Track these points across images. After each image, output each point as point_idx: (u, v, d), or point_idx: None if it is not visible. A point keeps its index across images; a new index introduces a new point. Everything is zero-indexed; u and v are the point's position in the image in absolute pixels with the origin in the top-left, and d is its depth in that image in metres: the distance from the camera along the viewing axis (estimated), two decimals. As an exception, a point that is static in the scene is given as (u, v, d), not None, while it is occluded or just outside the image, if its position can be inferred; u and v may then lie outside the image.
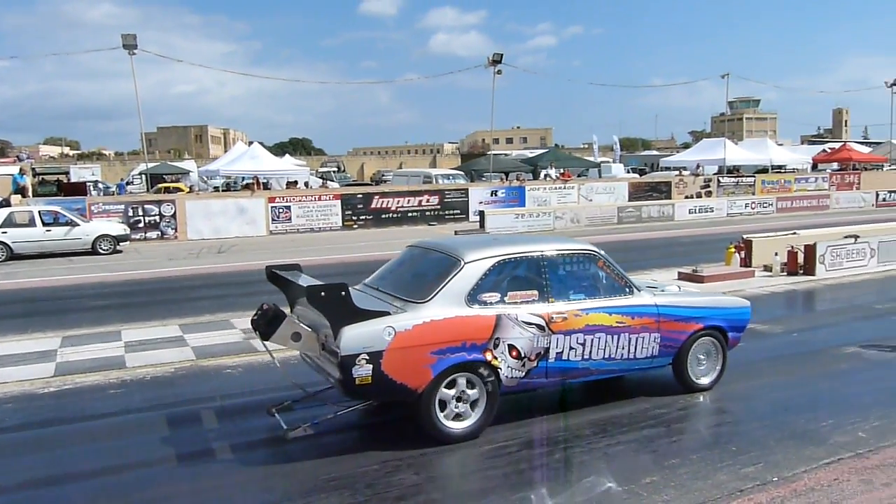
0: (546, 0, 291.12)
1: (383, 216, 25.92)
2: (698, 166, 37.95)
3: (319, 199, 25.30)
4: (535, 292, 5.99)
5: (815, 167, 44.26)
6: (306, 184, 32.96)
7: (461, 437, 5.62)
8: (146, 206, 23.16)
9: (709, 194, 32.06)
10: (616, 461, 5.23)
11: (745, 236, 14.73)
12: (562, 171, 34.03)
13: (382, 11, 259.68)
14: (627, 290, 6.44)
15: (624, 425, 5.97)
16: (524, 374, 5.89)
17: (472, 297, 5.72)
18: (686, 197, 31.09)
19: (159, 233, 23.10)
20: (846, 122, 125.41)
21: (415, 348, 5.40)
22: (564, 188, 29.26)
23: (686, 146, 79.71)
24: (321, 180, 38.45)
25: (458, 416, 5.66)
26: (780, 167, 42.11)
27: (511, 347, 5.78)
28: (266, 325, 5.59)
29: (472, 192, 27.76)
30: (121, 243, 20.15)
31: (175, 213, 23.20)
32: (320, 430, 5.70)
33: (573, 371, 6.15)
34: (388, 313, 5.46)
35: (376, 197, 26.22)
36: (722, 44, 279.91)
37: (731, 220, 27.72)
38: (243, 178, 31.08)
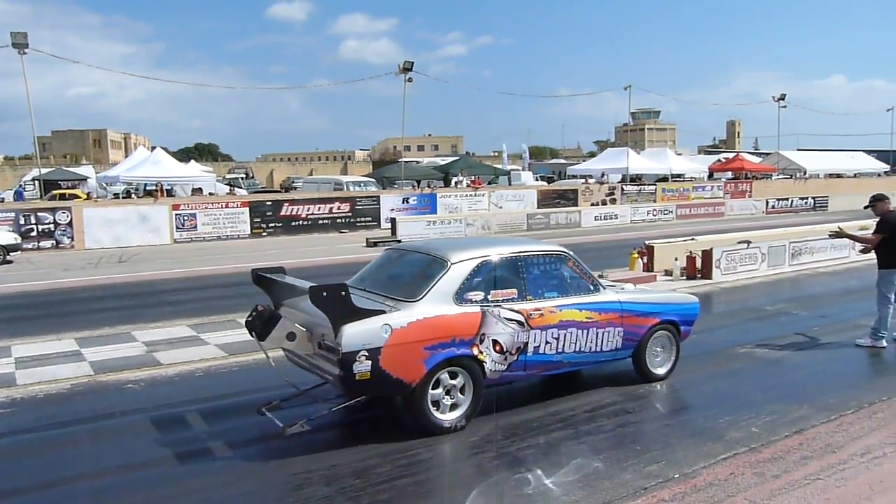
0: (456, 9, 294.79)
1: (293, 224, 25.48)
2: (603, 174, 39.22)
3: (227, 207, 24.64)
4: (515, 291, 6.38)
5: (710, 176, 46.48)
6: (211, 193, 31.99)
7: (451, 427, 5.93)
8: (39, 214, 21.91)
9: (613, 202, 33.14)
10: (524, 464, 5.31)
11: (647, 242, 15.31)
12: (472, 178, 34.43)
13: (291, 16, 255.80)
14: (594, 287, 6.94)
15: (533, 429, 6.07)
16: (506, 367, 6.25)
17: (459, 296, 6.05)
18: (592, 204, 32.03)
19: (54, 242, 21.91)
20: (739, 133, 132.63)
21: (410, 344, 5.68)
22: (475, 195, 29.60)
23: (592, 155, 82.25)
24: (229, 187, 37.46)
25: (448, 408, 5.98)
26: (679, 176, 44.00)
27: (495, 342, 6.14)
28: (262, 325, 5.85)
29: (383, 199, 27.70)
30: (11, 253, 18.97)
31: (71, 220, 22.06)
32: (315, 425, 5.88)
33: (548, 364, 6.56)
34: (384, 312, 5.70)
35: (286, 204, 25.76)
36: (625, 57, 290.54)
37: (634, 227, 28.78)
38: (145, 185, 29.88)
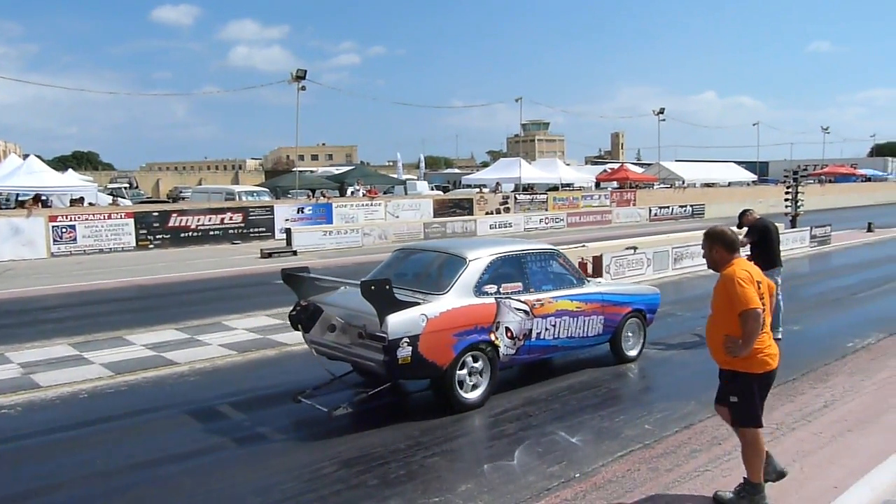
0: (349, 19, 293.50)
1: (182, 235, 24.47)
2: (497, 184, 39.98)
3: (109, 218, 23.34)
4: (520, 284, 7.23)
5: (598, 185, 48.37)
6: (91, 204, 30.26)
7: (473, 405, 6.68)
8: None
9: (507, 210, 33.82)
10: (429, 472, 5.31)
11: (541, 249, 15.70)
12: (368, 188, 34.26)
13: (177, 20, 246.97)
14: (580, 280, 7.99)
15: (438, 437, 6.09)
16: (515, 351, 7.07)
17: (478, 289, 6.84)
18: (487, 213, 32.55)
19: (-89, 257, 20.05)
20: (622, 144, 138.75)
21: (442, 332, 6.40)
22: (371, 205, 29.45)
23: (485, 165, 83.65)
24: (111, 197, 35.54)
25: (470, 388, 6.73)
26: (568, 185, 45.47)
27: (507, 329, 6.94)
28: (308, 318, 6.74)
29: (277, 209, 27.06)
30: None
31: (-68, 234, 20.28)
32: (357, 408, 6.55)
33: (546, 348, 7.49)
34: (419, 304, 6.37)
35: (174, 215, 24.70)
36: (516, 70, 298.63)
37: (528, 235, 29.48)
38: (17, 196, 27.89)
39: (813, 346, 9.23)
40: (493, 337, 6.82)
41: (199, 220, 24.98)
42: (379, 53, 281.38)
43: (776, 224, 10.01)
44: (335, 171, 47.42)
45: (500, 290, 7.01)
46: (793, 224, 22.56)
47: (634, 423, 6.32)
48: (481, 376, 6.80)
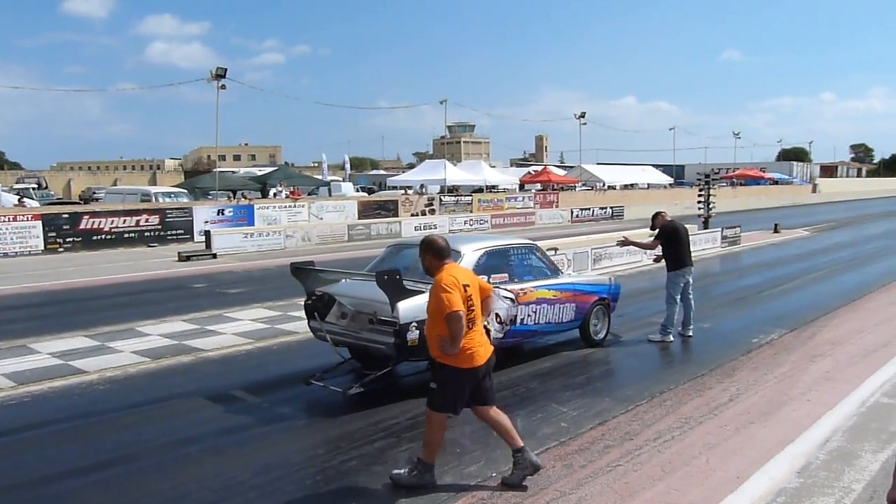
0: (272, 17, 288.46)
1: (95, 238, 23.50)
2: (422, 186, 40.08)
3: (14, 220, 22.20)
4: (507, 274, 8.07)
5: (522, 188, 49.13)
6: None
7: None
8: None
9: (432, 212, 33.96)
10: (346, 478, 5.28)
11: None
12: (292, 189, 33.75)
13: (90, 13, 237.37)
14: (555, 272, 8.84)
15: (356, 439, 6.06)
16: (502, 335, 7.75)
17: None
18: (412, 214, 32.60)
19: None
20: (546, 147, 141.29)
21: None
22: (295, 206, 29.02)
23: (411, 166, 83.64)
24: (17, 198, 33.80)
25: None
26: (493, 187, 46.01)
27: (497, 315, 7.53)
28: (323, 307, 7.39)
29: (196, 210, 26.33)
30: None
31: None
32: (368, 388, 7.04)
33: (528, 333, 8.40)
34: (424, 292, 6.52)
35: (86, 217, 23.69)
36: (441, 72, 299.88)
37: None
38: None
39: (721, 342, 9.63)
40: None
41: (112, 221, 24.07)
42: (303, 53, 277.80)
43: (686, 226, 10.39)
44: (258, 171, 46.47)
45: (490, 279, 7.63)
46: (705, 225, 23.50)
47: (551, 422, 6.45)
48: None
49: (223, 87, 28.54)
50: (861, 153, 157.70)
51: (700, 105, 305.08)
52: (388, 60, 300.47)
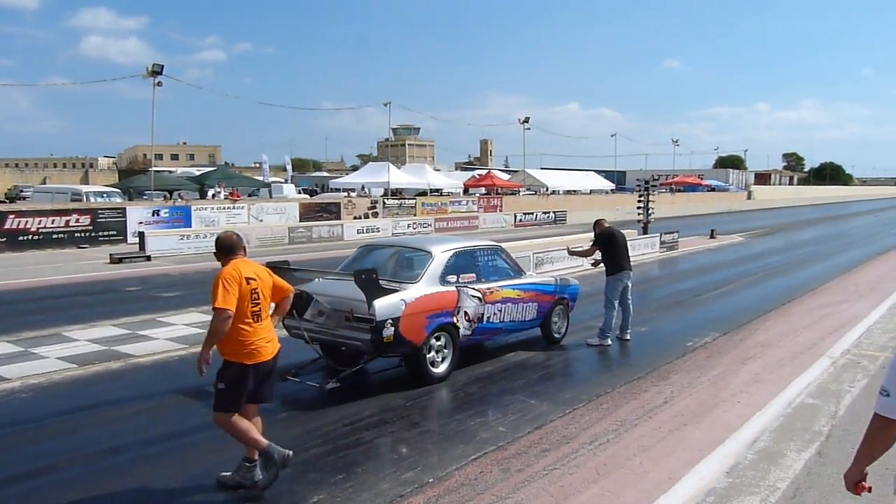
0: (213, 13, 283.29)
1: (21, 238, 22.62)
2: (365, 188, 39.91)
3: (-67, 219, 21.22)
4: (474, 275, 8.45)
5: (466, 192, 49.40)
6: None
7: (440, 378, 7.83)
8: None
9: (375, 215, 33.83)
10: (279, 485, 5.20)
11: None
12: (231, 190, 33.17)
13: (20, 3, 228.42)
14: (518, 272, 9.23)
15: (293, 446, 5.97)
16: (470, 332, 8.24)
17: (443, 279, 8.00)
18: (355, 217, 32.42)
19: None
20: (491, 151, 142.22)
21: (417, 314, 7.49)
22: (234, 208, 28.53)
23: (354, 168, 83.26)
24: (-64, 196, 32.30)
25: (438, 364, 7.88)
26: (437, 190, 46.18)
27: (465, 313, 8.11)
28: (302, 304, 7.52)
29: (130, 211, 25.62)
30: None
31: None
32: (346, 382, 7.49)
33: (494, 330, 8.79)
34: (397, 290, 7.43)
35: (11, 216, 22.79)
36: (386, 74, 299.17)
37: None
38: None
39: (657, 345, 9.86)
40: (455, 319, 7.97)
41: (40, 221, 23.23)
42: (245, 51, 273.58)
43: (624, 231, 10.62)
44: (196, 171, 45.55)
45: (459, 279, 8.16)
46: (644, 230, 24.03)
47: (489, 426, 6.48)
48: (446, 353, 7.95)
49: (160, 83, 27.98)
50: (793, 162, 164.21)
51: (641, 112, 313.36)
52: (333, 61, 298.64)
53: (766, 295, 14.52)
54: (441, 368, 7.90)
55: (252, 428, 5.02)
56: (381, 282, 7.25)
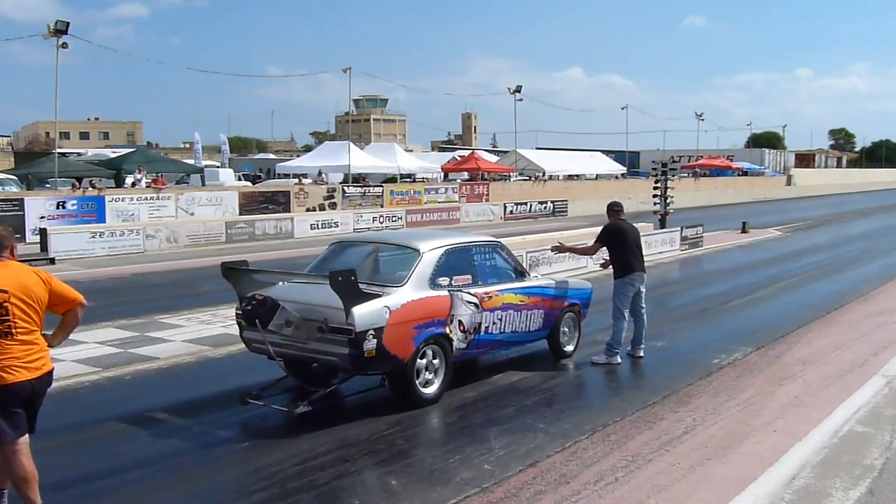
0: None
1: None
2: (321, 173, 39.80)
3: None
4: (469, 277, 8.52)
5: (445, 177, 49.45)
6: None
7: (430, 400, 7.90)
8: None
9: (333, 206, 33.75)
10: None
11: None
12: (154, 176, 32.92)
13: None
14: (522, 273, 9.36)
15: (233, 490, 5.97)
16: (465, 345, 8.33)
17: (433, 281, 8.05)
18: (308, 209, 32.32)
19: None
20: (475, 127, 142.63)
21: (404, 324, 7.54)
22: (158, 199, 28.30)
23: (308, 149, 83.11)
24: None
25: (428, 383, 7.94)
26: (409, 176, 46.15)
27: (460, 323, 8.18)
28: (266, 312, 7.61)
29: (29, 203, 25.30)
30: None
31: None
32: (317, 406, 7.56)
33: (493, 343, 8.91)
34: (380, 296, 7.49)
35: None
36: (347, 34, 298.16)
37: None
38: None
39: (677, 363, 9.96)
40: (448, 330, 8.06)
41: (-86, 216, 22.90)
42: (172, 4, 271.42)
43: (636, 225, 10.70)
44: (111, 153, 45.15)
45: (452, 282, 8.24)
46: (662, 224, 24.22)
47: (471, 463, 6.51)
48: (437, 371, 8.02)
49: (65, 45, 27.58)
50: (841, 140, 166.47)
51: (659, 80, 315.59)
52: (281, 17, 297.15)
53: (808, 302, 14.72)
54: (432, 389, 7.98)
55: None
56: (360, 285, 7.30)
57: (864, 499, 5.75)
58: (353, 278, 7.11)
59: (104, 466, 6.52)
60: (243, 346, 8.50)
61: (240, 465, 6.52)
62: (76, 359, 9.96)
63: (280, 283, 8.33)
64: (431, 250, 8.27)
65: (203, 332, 11.52)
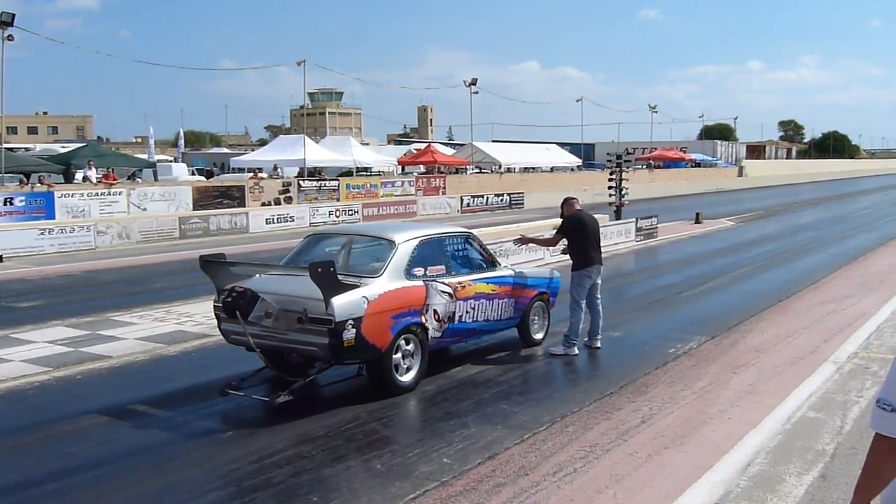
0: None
1: None
2: (276, 167, 39.47)
3: None
4: (443, 267, 8.76)
5: (402, 170, 49.35)
6: None
7: (407, 388, 8.13)
8: None
9: (289, 201, 33.48)
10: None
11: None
12: (105, 171, 32.37)
13: None
14: (493, 263, 9.63)
15: (188, 490, 5.88)
16: (440, 334, 8.56)
17: (408, 272, 8.28)
18: (263, 204, 32.04)
19: None
20: (431, 121, 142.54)
21: (382, 314, 7.75)
22: (109, 194, 27.83)
23: (263, 143, 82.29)
24: None
25: (405, 371, 8.16)
26: (365, 169, 45.98)
27: (435, 312, 8.40)
28: (246, 304, 7.67)
29: (-26, 200, 24.78)
30: None
31: None
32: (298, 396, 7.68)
33: (466, 331, 9.16)
34: (358, 286, 7.66)
35: None
36: (300, 27, 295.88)
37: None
38: None
39: (633, 354, 10.03)
40: (423, 319, 8.29)
41: None
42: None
43: (595, 216, 10.74)
44: (60, 148, 44.35)
45: (427, 272, 8.48)
46: (617, 215, 24.43)
47: (430, 458, 6.48)
48: (413, 359, 8.24)
49: (10, 37, 27.04)
50: (790, 131, 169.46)
51: (613, 73, 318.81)
52: (234, 9, 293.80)
53: (761, 290, 14.94)
54: (409, 377, 8.21)
55: None
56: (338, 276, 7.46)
57: (816, 483, 5.84)
58: (332, 269, 7.28)
59: (53, 469, 6.38)
60: (198, 342, 8.45)
61: (196, 464, 6.42)
62: (25, 359, 9.75)
63: (257, 275, 8.46)
64: (406, 241, 8.47)
65: (156, 329, 11.32)
